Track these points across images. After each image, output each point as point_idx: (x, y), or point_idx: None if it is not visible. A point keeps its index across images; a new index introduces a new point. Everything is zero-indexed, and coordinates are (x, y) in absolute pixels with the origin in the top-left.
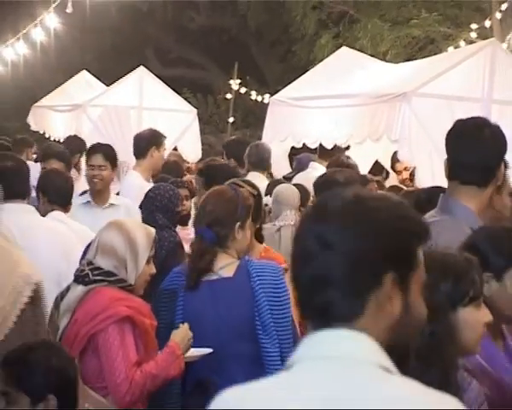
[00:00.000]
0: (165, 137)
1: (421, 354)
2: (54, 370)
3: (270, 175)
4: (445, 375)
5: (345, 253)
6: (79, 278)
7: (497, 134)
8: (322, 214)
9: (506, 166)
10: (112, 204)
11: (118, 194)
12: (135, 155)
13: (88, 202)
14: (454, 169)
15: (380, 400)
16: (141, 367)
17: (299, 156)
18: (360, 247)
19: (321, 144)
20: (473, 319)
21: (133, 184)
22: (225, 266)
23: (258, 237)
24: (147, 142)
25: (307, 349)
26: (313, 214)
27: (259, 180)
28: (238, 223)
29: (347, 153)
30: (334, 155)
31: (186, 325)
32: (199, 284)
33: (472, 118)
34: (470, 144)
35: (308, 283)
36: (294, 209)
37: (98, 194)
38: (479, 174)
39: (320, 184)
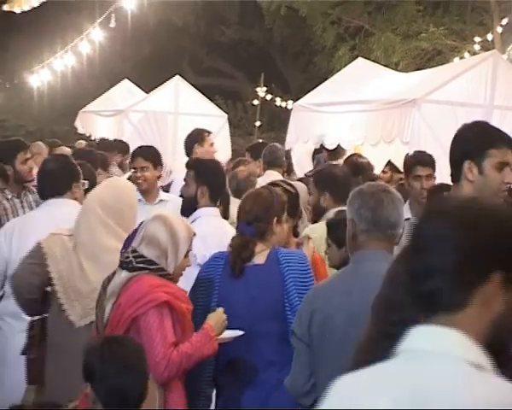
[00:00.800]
0: (208, 132)
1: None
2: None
3: (288, 173)
4: None
5: (459, 247)
6: (124, 264)
7: (461, 133)
8: (441, 211)
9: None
10: (161, 200)
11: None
12: (186, 155)
13: (139, 200)
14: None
15: (471, 399)
16: (177, 347)
17: (317, 156)
18: (475, 243)
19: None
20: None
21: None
22: (257, 254)
23: (294, 232)
24: (190, 140)
25: (409, 342)
26: (432, 211)
27: (273, 177)
28: (275, 218)
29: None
30: (340, 155)
31: (221, 309)
32: (243, 271)
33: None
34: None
35: (420, 271)
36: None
37: (146, 193)
38: (451, 171)
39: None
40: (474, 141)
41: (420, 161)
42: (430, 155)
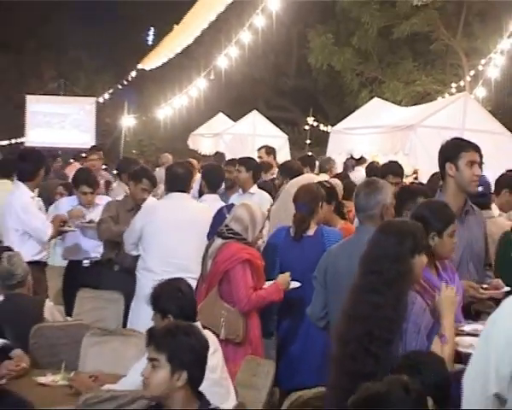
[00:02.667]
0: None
1: (393, 285)
2: (192, 348)
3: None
4: (403, 299)
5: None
6: (219, 234)
7: (443, 146)
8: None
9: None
10: (250, 193)
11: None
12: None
13: (238, 193)
14: None
15: None
16: (256, 291)
17: (347, 162)
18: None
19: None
20: (422, 261)
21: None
22: (309, 229)
23: (341, 215)
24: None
25: None
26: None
27: (320, 178)
28: (320, 203)
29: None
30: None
31: (287, 274)
32: (301, 238)
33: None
34: None
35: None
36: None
37: (242, 187)
38: (440, 172)
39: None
40: (451, 149)
41: (392, 171)
42: (400, 166)
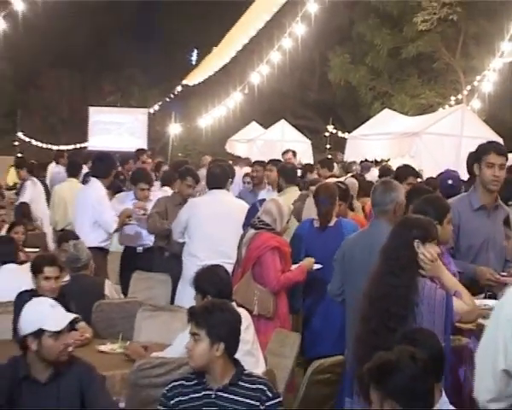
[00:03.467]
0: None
1: (405, 268)
2: (227, 323)
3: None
4: (415, 281)
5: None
6: (252, 225)
7: (471, 152)
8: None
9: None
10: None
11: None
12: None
13: (268, 189)
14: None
15: None
16: (284, 274)
17: (362, 164)
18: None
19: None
20: (434, 249)
21: None
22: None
23: (350, 208)
24: (282, 155)
25: None
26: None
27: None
28: (337, 198)
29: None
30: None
31: (312, 259)
32: (326, 228)
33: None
34: None
35: None
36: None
37: (272, 184)
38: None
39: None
40: (478, 152)
41: (413, 173)
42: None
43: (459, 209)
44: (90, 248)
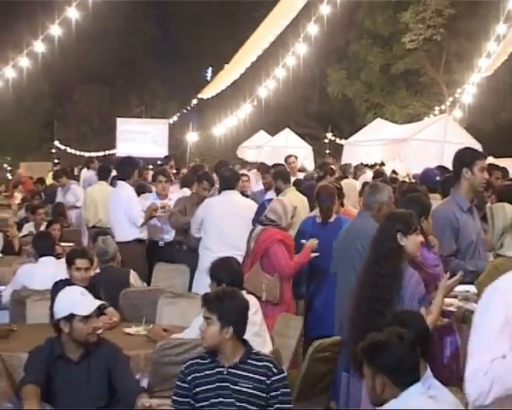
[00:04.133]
0: (295, 156)
1: (389, 259)
2: (235, 309)
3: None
4: (399, 269)
5: None
6: (260, 222)
7: (459, 154)
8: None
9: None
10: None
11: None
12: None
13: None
14: None
15: None
16: (293, 260)
17: (355, 166)
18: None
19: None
20: (415, 240)
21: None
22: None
23: (341, 205)
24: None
25: None
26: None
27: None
28: (336, 198)
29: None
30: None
31: (315, 240)
32: (326, 224)
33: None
34: None
35: None
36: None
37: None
38: (454, 175)
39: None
40: (467, 156)
41: (376, 175)
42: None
43: (456, 214)
44: (128, 241)
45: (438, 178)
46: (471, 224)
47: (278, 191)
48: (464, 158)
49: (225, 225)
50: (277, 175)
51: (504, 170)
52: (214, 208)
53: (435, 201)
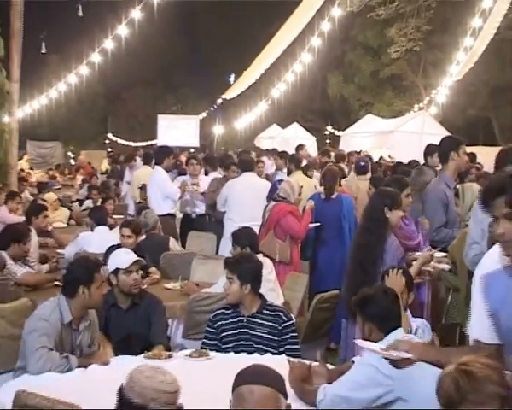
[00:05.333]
0: (303, 145)
1: (376, 227)
2: (252, 270)
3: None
4: (383, 236)
5: None
6: (273, 198)
7: (445, 139)
8: None
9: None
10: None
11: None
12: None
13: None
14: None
15: None
16: (301, 222)
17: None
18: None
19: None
20: (397, 214)
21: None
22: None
23: (339, 185)
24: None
25: None
26: None
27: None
28: (338, 179)
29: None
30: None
31: (312, 202)
32: (329, 200)
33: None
34: None
35: None
36: None
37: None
38: (441, 158)
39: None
40: (453, 142)
41: (359, 171)
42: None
43: (446, 192)
44: (162, 215)
45: (362, 163)
46: (453, 199)
47: (289, 173)
48: (451, 143)
49: (245, 200)
50: (292, 161)
51: (473, 155)
52: (236, 187)
53: (363, 181)
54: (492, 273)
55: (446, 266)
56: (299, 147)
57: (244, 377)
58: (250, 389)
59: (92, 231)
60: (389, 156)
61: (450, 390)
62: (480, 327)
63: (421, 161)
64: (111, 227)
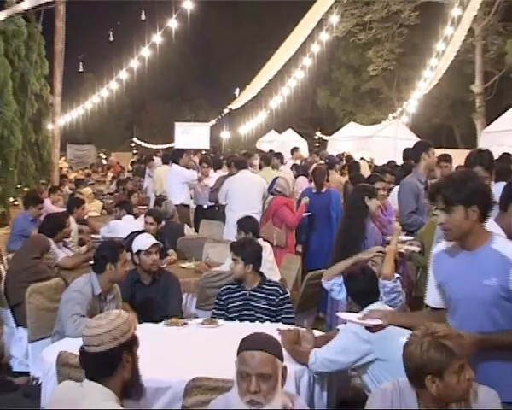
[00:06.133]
0: (297, 148)
1: (358, 215)
2: (253, 252)
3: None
4: (363, 222)
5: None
6: (271, 192)
7: (418, 144)
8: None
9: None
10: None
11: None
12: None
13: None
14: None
15: None
16: (294, 213)
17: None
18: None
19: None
20: (375, 203)
21: None
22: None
23: (327, 181)
24: (291, 151)
25: None
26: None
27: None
28: (326, 176)
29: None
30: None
31: (307, 199)
32: (320, 193)
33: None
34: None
35: None
36: None
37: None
38: (413, 158)
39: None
40: (423, 146)
41: (331, 166)
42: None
43: (417, 184)
44: (179, 205)
45: (327, 160)
46: (424, 193)
47: (260, 167)
48: (422, 146)
49: (242, 193)
50: (262, 159)
51: (449, 156)
52: (234, 182)
53: (335, 175)
54: (440, 253)
55: (416, 249)
56: (294, 149)
57: (247, 344)
58: (252, 354)
59: (120, 219)
60: (368, 157)
61: (415, 352)
62: (431, 296)
63: (397, 161)
64: (135, 216)
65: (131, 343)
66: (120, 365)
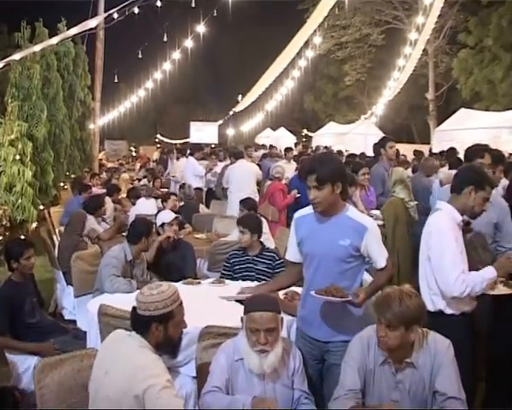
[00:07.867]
0: (290, 148)
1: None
2: (255, 223)
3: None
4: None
5: None
6: (269, 178)
7: (379, 141)
8: None
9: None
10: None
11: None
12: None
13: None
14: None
15: None
16: (285, 200)
17: (317, 146)
18: None
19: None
20: (352, 189)
21: None
22: None
23: None
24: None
25: None
26: None
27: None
28: None
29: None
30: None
31: (295, 191)
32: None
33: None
34: None
35: None
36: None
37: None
38: (375, 153)
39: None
40: (384, 141)
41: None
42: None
43: (383, 172)
44: (195, 188)
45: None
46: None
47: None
48: (382, 142)
49: (241, 178)
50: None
51: (398, 151)
52: (234, 169)
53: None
54: (300, 217)
55: (380, 222)
56: (288, 149)
57: (254, 306)
58: (260, 314)
59: (146, 200)
60: (344, 149)
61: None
62: (291, 252)
63: (367, 153)
64: (158, 197)
65: (164, 317)
66: (150, 330)
